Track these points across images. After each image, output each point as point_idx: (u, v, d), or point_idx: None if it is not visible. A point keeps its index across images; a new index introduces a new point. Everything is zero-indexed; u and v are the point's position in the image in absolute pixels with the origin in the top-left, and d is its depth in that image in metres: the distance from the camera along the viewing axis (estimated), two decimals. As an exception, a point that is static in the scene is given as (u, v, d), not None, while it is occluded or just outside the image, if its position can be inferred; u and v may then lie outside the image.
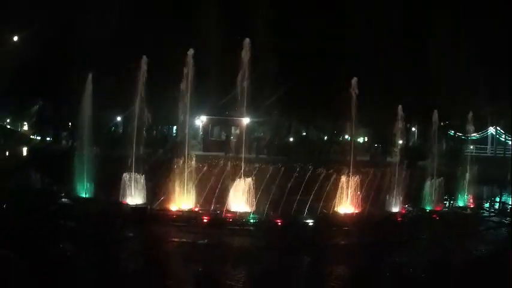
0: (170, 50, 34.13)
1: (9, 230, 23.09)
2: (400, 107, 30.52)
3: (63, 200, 28.53)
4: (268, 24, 27.86)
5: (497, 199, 44.54)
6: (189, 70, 27.22)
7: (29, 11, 45.89)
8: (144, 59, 27.58)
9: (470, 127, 37.11)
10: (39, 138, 57.28)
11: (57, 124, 54.59)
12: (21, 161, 48.11)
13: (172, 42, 36.30)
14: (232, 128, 39.26)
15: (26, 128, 64.88)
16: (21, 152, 54.24)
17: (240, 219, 26.09)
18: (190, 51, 27.39)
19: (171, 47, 35.03)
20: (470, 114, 35.62)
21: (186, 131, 28.01)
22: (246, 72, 26.96)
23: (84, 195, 28.14)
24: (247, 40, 27.32)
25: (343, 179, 28.04)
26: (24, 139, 58.87)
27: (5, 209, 26.39)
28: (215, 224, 25.52)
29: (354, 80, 28.83)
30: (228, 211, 26.60)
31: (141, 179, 27.38)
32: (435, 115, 32.70)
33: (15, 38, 51.09)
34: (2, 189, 28.93)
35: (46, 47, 47.44)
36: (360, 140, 42.99)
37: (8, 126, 65.61)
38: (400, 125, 30.76)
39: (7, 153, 52.11)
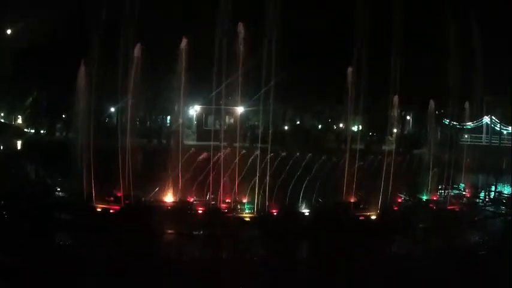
0: (165, 38, 33.85)
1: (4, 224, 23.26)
2: (395, 97, 30.47)
3: (58, 192, 28.49)
4: (263, 11, 27.59)
5: (493, 188, 44.71)
6: (183, 58, 26.99)
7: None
8: (138, 47, 27.28)
9: (465, 116, 37.01)
10: (33, 131, 57.02)
11: (51, 115, 54.40)
12: (15, 154, 47.91)
13: (167, 30, 36.01)
14: (226, 117, 39.09)
15: (20, 121, 64.61)
16: (16, 145, 53.97)
17: (234, 209, 26.03)
18: (184, 40, 27.17)
19: (165, 34, 34.75)
20: (467, 104, 35.48)
21: (180, 120, 27.77)
22: (240, 59, 26.70)
23: (78, 188, 27.90)
24: (240, 25, 27.00)
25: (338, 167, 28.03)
26: (18, 132, 58.56)
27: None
28: (209, 214, 25.48)
29: (349, 70, 28.77)
30: (223, 201, 26.51)
31: (135, 170, 27.22)
32: (431, 104, 32.59)
33: (9, 31, 50.82)
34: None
35: (40, 37, 47.11)
36: (355, 128, 42.75)
37: (2, 120, 65.35)
38: (395, 113, 30.69)
39: (1, 147, 51.89)
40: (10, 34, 51.41)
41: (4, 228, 23.59)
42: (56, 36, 46.09)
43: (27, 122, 61.00)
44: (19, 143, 53.88)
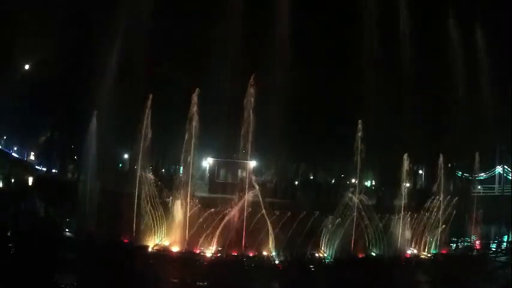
0: (178, 91, 34.39)
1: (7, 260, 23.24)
2: (406, 155, 30.68)
3: (66, 232, 28.58)
4: (275, 67, 28.07)
5: (505, 238, 44.16)
6: (195, 109, 27.44)
7: (41, 42, 46.25)
8: (150, 97, 27.75)
9: (477, 167, 36.95)
10: (44, 169, 57.16)
11: (64, 156, 54.72)
12: (26, 190, 48.02)
13: (180, 85, 36.51)
14: (239, 171, 39.33)
15: (32, 157, 64.83)
16: (27, 181, 54.09)
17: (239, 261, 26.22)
18: (197, 91, 27.60)
19: (179, 88, 35.27)
20: (477, 156, 35.45)
21: (192, 171, 27.95)
22: (251, 115, 27.05)
23: (86, 229, 27.89)
24: (253, 77, 27.55)
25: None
26: (30, 169, 58.74)
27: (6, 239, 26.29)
28: (215, 265, 25.65)
29: (360, 122, 29.00)
30: (228, 254, 26.73)
31: (144, 218, 27.33)
32: (441, 158, 32.61)
33: (27, 67, 51.48)
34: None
35: (58, 78, 47.71)
36: (368, 183, 42.88)
37: (15, 154, 65.64)
38: (406, 168, 30.75)
39: (12, 181, 52.01)
40: (28, 69, 52.06)
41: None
42: (71, 77, 46.68)
43: (40, 159, 61.17)
44: (30, 180, 54.02)
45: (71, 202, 29.92)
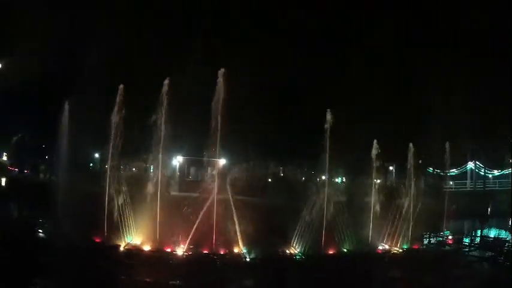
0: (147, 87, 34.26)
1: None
2: (375, 145, 30.80)
3: (39, 233, 28.33)
4: (244, 63, 28.03)
5: (478, 233, 44.72)
6: (164, 101, 27.33)
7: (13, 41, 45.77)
8: (120, 90, 27.52)
9: (448, 163, 37.26)
10: (17, 169, 56.64)
11: (35, 156, 54.36)
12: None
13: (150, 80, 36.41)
14: (209, 169, 39.34)
15: (5, 158, 64.07)
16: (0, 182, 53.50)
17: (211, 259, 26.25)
18: (166, 82, 27.48)
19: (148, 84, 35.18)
20: (448, 149, 35.70)
21: (161, 170, 27.82)
22: (220, 110, 27.00)
23: (59, 230, 27.67)
24: (221, 71, 27.49)
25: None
26: (2, 169, 58.06)
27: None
28: (187, 263, 25.60)
29: (328, 113, 29.12)
30: (200, 252, 26.71)
31: (115, 217, 27.16)
32: (411, 153, 32.88)
33: (-1, 66, 50.87)
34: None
35: (28, 78, 47.24)
36: (339, 180, 42.96)
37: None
38: (376, 164, 30.98)
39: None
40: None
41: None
42: (42, 78, 46.28)
43: (12, 160, 60.52)
44: (3, 181, 53.43)
45: (44, 203, 29.48)
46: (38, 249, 25.74)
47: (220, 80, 27.24)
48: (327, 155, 28.97)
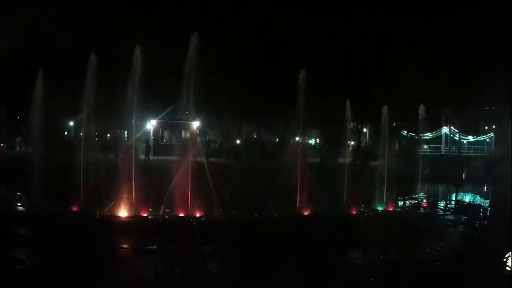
0: (119, 50, 33.81)
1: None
2: (348, 103, 30.81)
3: (17, 206, 28.11)
4: (218, 24, 27.72)
5: (453, 197, 45.34)
6: (137, 68, 26.87)
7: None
8: (93, 59, 27.15)
9: (423, 127, 37.44)
10: (-7, 143, 56.10)
11: (10, 128, 53.75)
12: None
13: (122, 43, 35.94)
14: (183, 132, 39.11)
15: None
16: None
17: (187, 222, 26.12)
18: (138, 48, 27.05)
19: (120, 48, 34.74)
20: (422, 112, 35.90)
21: (135, 134, 27.70)
22: (193, 71, 26.76)
23: (36, 202, 27.49)
24: (195, 35, 27.12)
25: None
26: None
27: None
28: (163, 228, 25.46)
29: (302, 73, 28.94)
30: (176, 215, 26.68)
31: (91, 185, 27.03)
32: (385, 114, 33.02)
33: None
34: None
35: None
36: (312, 141, 43.27)
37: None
38: (350, 125, 30.98)
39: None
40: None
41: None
42: (16, 48, 45.54)
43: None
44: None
45: (21, 175, 29.20)
46: (16, 222, 25.72)
47: (193, 41, 26.97)
48: (301, 116, 28.94)
